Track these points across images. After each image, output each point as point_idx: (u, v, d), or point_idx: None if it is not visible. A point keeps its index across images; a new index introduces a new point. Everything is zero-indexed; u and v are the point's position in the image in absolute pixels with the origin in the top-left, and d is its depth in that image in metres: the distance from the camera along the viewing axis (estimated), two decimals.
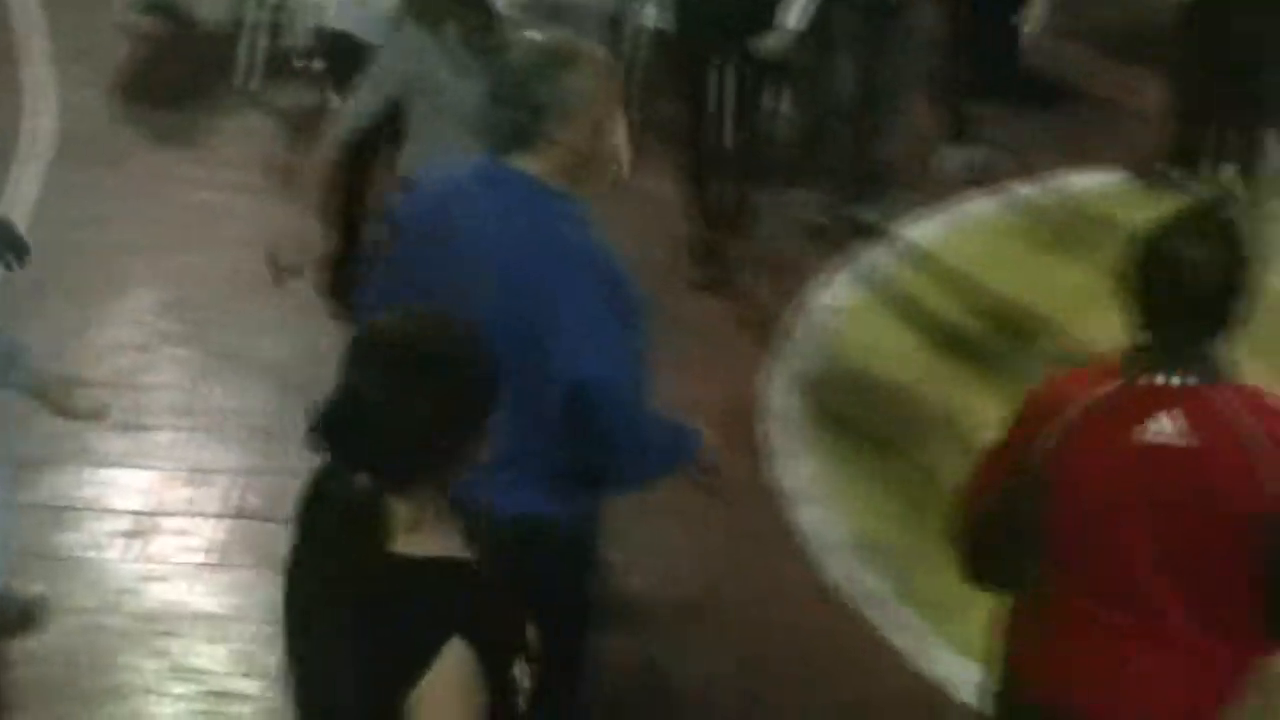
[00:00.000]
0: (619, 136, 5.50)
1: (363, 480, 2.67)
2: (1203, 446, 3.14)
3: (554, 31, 3.64)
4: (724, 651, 5.04)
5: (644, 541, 5.10)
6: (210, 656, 4.93)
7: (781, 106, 7.55)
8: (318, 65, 6.64)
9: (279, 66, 8.15)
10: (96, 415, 4.70)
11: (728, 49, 6.54)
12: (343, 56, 5.92)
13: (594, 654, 3.81)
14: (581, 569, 3.76)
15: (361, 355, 2.73)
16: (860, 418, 6.15)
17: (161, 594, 5.14)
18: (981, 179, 7.66)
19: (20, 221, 5.32)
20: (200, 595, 5.16)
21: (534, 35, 3.58)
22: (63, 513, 5.43)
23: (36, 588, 5.02)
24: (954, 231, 7.37)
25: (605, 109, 3.52)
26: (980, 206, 7.55)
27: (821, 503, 5.68)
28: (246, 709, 4.76)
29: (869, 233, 7.23)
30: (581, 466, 3.50)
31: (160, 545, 5.33)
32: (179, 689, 4.81)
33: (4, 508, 4.84)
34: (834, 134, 7.11)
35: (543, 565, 3.28)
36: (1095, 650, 3.33)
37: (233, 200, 7.22)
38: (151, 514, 5.46)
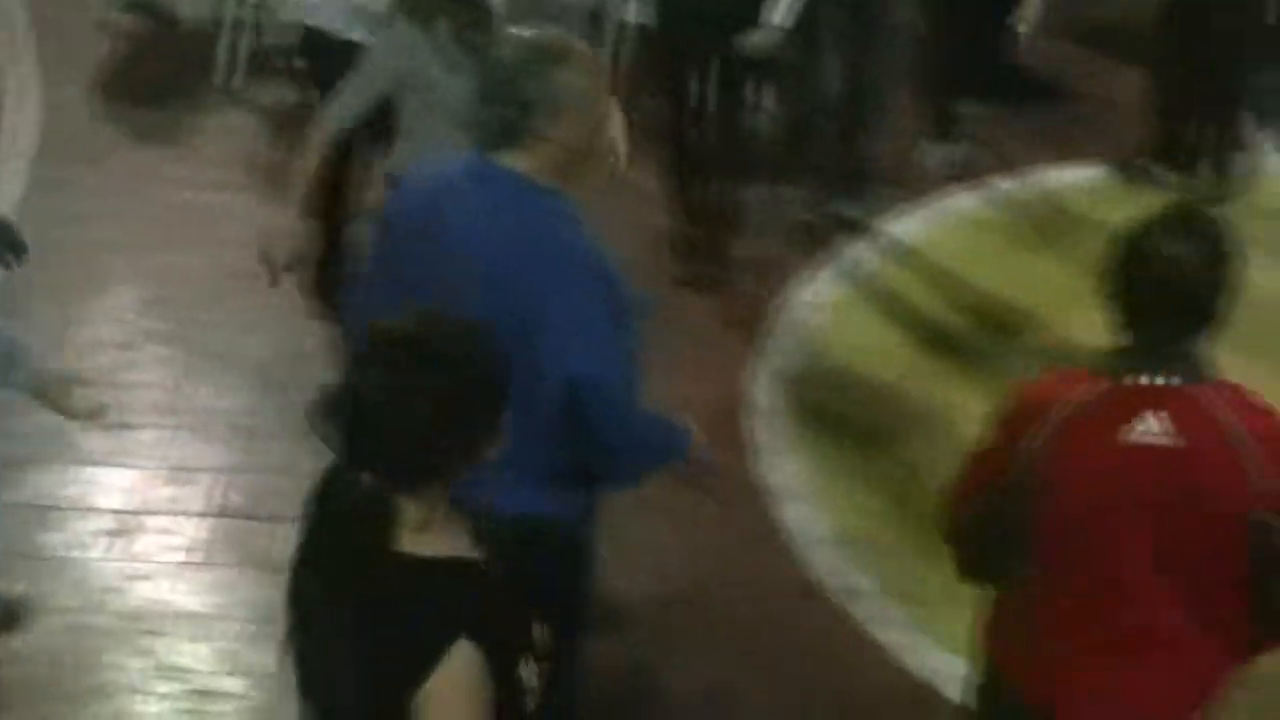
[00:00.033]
0: (614, 130, 5.52)
1: (371, 479, 2.66)
2: (1189, 446, 3.15)
3: (543, 27, 3.64)
4: (709, 647, 5.04)
5: (631, 538, 5.09)
6: (194, 655, 4.92)
7: (764, 101, 7.56)
8: (299, 63, 6.62)
9: (260, 64, 8.13)
10: (95, 415, 4.69)
11: (710, 45, 6.53)
12: (319, 52, 5.91)
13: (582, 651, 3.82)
14: (580, 568, 3.77)
15: (371, 355, 2.72)
16: (844, 414, 6.16)
17: (145, 593, 5.14)
18: (963, 175, 7.66)
19: None
20: (184, 594, 5.15)
21: (523, 32, 3.57)
22: (46, 512, 5.42)
23: (20, 587, 5.02)
24: (936, 227, 7.37)
25: (596, 105, 3.52)
26: (962, 202, 7.55)
27: (806, 499, 5.68)
28: (230, 707, 4.76)
29: (852, 229, 7.23)
30: (577, 465, 3.50)
31: (143, 544, 5.33)
32: (163, 688, 4.81)
33: None
34: (820, 131, 7.11)
35: (543, 565, 3.27)
36: (1080, 651, 3.33)
37: (215, 198, 7.20)
38: (135, 513, 5.45)
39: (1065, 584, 3.31)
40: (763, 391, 6.23)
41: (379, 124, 5.24)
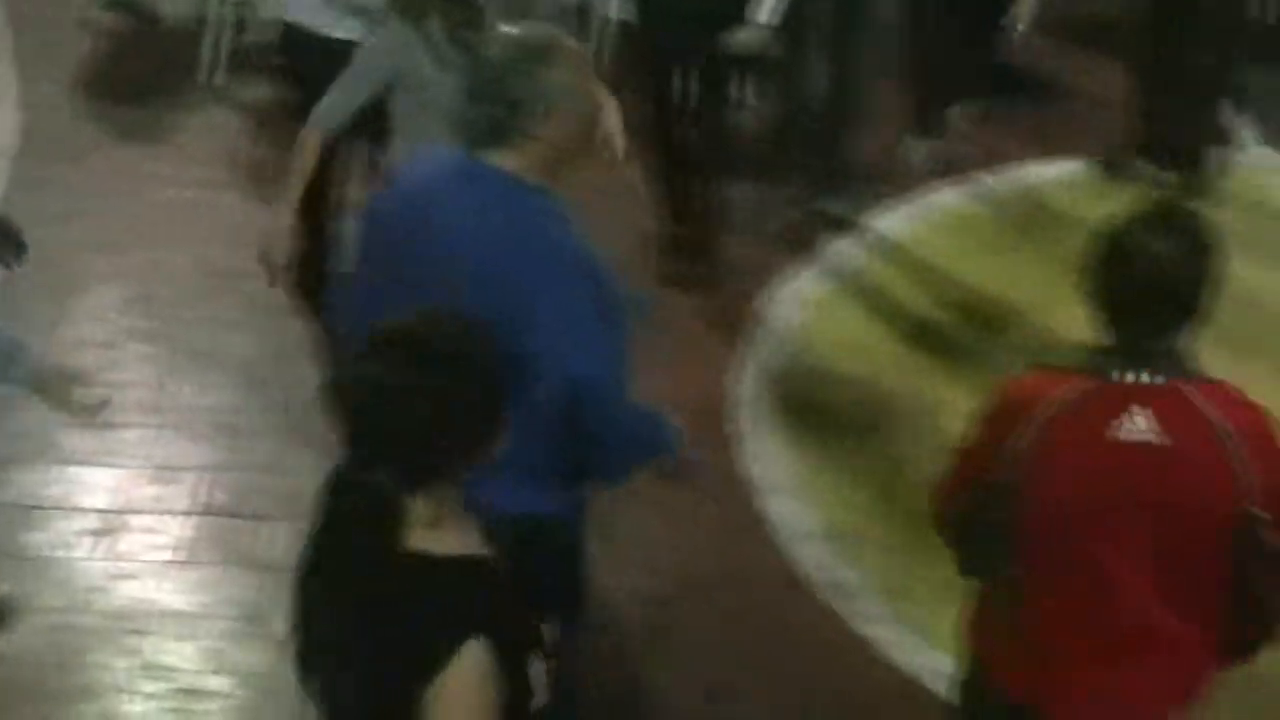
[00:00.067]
0: (612, 124, 5.50)
1: (382, 477, 2.66)
2: (1176, 444, 3.15)
3: (531, 25, 3.63)
4: (696, 641, 5.05)
5: (618, 533, 5.09)
6: (179, 654, 4.91)
7: (748, 99, 7.56)
8: (278, 59, 6.60)
9: (242, 61, 8.12)
10: (94, 411, 4.68)
11: (692, 42, 6.53)
12: (298, 49, 5.90)
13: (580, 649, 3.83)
14: (578, 566, 3.77)
15: (382, 352, 2.72)
16: (829, 409, 6.16)
17: (130, 592, 5.13)
18: (947, 171, 7.67)
19: None
20: (169, 593, 5.14)
21: (512, 30, 3.57)
22: (30, 512, 5.41)
23: (4, 587, 5.01)
24: (921, 224, 7.38)
25: (585, 103, 3.52)
26: (947, 198, 7.56)
27: (792, 494, 5.69)
28: (216, 706, 4.75)
29: (837, 225, 7.24)
30: (569, 463, 3.50)
31: (128, 543, 5.32)
32: (149, 687, 4.80)
33: None
34: (804, 128, 7.11)
35: (542, 564, 3.26)
36: (1067, 650, 3.34)
37: (198, 196, 7.19)
38: (119, 512, 5.44)
39: (1052, 583, 3.31)
40: (748, 387, 6.23)
41: (362, 122, 5.23)
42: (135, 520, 5.41)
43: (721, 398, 6.13)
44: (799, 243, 7.08)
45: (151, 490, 5.55)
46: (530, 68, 3.42)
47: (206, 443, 5.78)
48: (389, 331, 2.75)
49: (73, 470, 5.60)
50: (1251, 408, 3.22)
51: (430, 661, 2.61)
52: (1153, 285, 3.15)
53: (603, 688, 4.64)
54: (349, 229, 5.82)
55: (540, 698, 2.74)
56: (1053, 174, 7.73)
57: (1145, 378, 3.17)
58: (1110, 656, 3.31)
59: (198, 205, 7.12)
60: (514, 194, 3.42)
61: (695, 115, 6.70)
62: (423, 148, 4.61)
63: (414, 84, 5.00)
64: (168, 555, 5.28)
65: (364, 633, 2.69)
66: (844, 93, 7.00)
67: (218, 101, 8.01)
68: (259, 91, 7.85)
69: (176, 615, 5.06)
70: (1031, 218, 7.38)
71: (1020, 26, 7.56)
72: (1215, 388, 3.21)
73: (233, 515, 5.43)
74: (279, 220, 5.09)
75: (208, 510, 5.46)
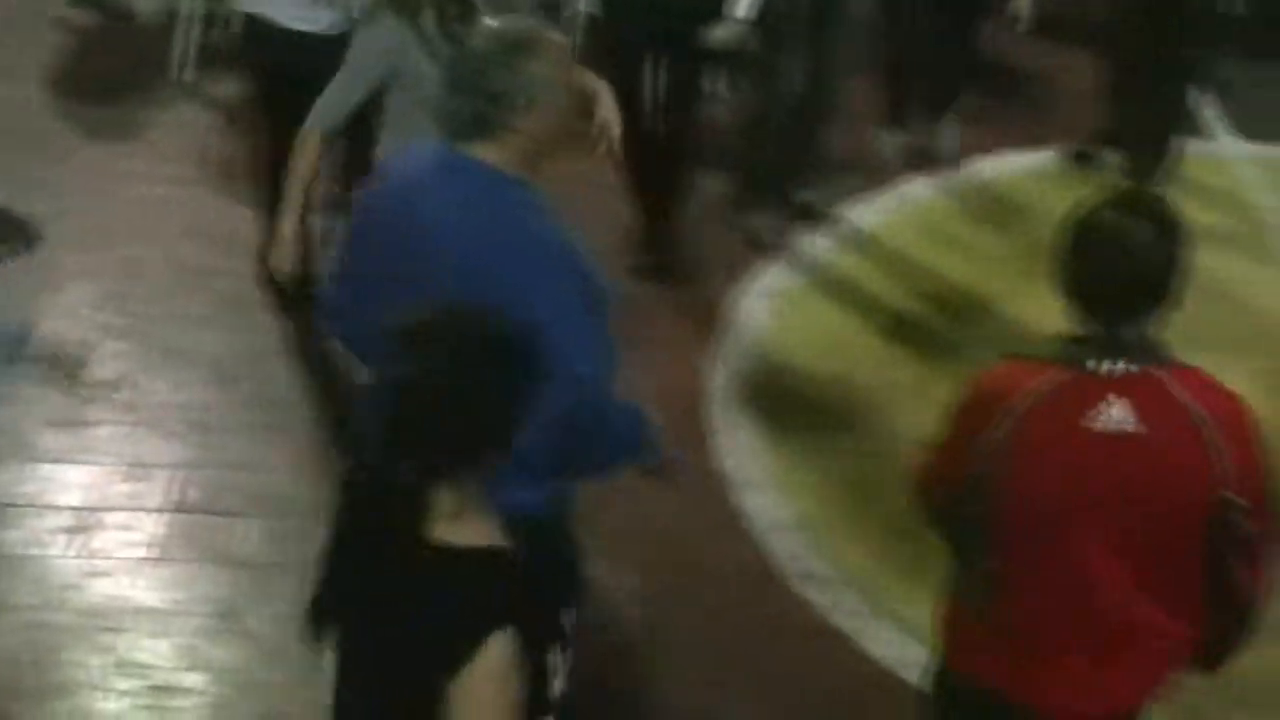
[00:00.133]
0: (607, 113, 5.48)
1: (408, 469, 2.67)
2: (1153, 432, 3.16)
3: (512, 18, 3.63)
4: (670, 636, 5.05)
5: (595, 528, 5.10)
6: (154, 651, 4.90)
7: (718, 90, 7.56)
8: (243, 53, 6.58)
9: (213, 57, 8.10)
10: (108, 389, 4.64)
11: (658, 35, 6.52)
12: (260, 42, 5.89)
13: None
14: (572, 562, 3.77)
15: (416, 345, 2.73)
16: (803, 403, 6.17)
17: (104, 589, 5.12)
18: (919, 162, 7.69)
19: None
20: (143, 590, 5.13)
21: (492, 23, 3.56)
22: (3, 510, 5.39)
23: None
24: (894, 215, 7.40)
25: (565, 96, 3.52)
26: (919, 190, 7.58)
27: (765, 487, 5.70)
28: (190, 703, 4.74)
29: (810, 217, 7.25)
30: (559, 459, 3.49)
31: (102, 540, 5.30)
32: (123, 684, 4.79)
33: None
34: (779, 122, 7.12)
35: (540, 562, 3.26)
36: (1047, 640, 3.33)
37: (170, 193, 7.18)
38: (93, 509, 5.43)
39: (1031, 574, 3.30)
40: (721, 380, 6.24)
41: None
42: (109, 518, 5.40)
43: (695, 390, 6.14)
44: (773, 235, 7.10)
45: (125, 487, 5.53)
46: (511, 60, 3.42)
47: (179, 440, 5.77)
48: (417, 326, 2.75)
49: (46, 468, 5.59)
50: (1226, 393, 3.23)
51: (457, 654, 2.63)
52: (1123, 271, 3.16)
53: (587, 685, 4.64)
54: (323, 223, 5.83)
55: (558, 687, 2.75)
56: (1023, 165, 7.76)
57: (1120, 366, 3.18)
58: (1089, 647, 3.32)
59: (169, 202, 7.10)
60: (497, 188, 3.42)
61: (665, 109, 6.70)
62: (411, 142, 4.61)
63: (409, 81, 4.96)
64: (141, 552, 5.27)
65: (390, 624, 2.71)
66: (820, 88, 7.01)
67: (188, 98, 8.00)
68: (229, 87, 7.83)
69: (150, 612, 5.05)
70: (1003, 209, 7.40)
71: (1020, 29, 7.55)
72: (1189, 374, 3.21)
73: (206, 512, 5.42)
74: (284, 226, 5.06)
75: (181, 507, 5.45)
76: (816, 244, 7.13)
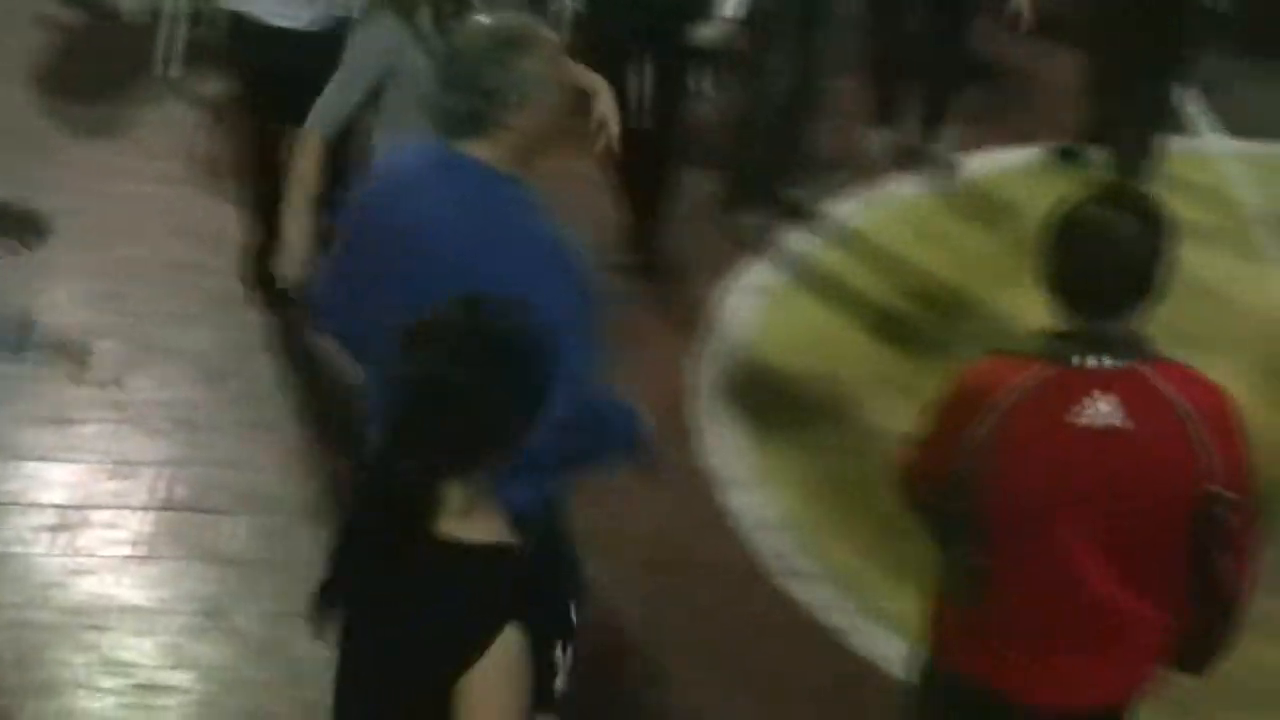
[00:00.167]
0: (606, 108, 5.47)
1: (419, 465, 2.66)
2: (1139, 427, 3.16)
3: (505, 15, 3.62)
4: (656, 634, 5.05)
5: (581, 525, 5.10)
6: (139, 649, 4.90)
7: (704, 87, 7.56)
8: (227, 50, 6.57)
9: (198, 54, 8.08)
10: (111, 382, 4.63)
11: (642, 32, 6.50)
12: (246, 39, 5.88)
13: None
14: (573, 559, 3.77)
15: (433, 342, 2.72)
16: (788, 399, 6.17)
17: (89, 587, 5.11)
18: (905, 160, 7.69)
19: None
20: (128, 588, 5.12)
21: (485, 19, 3.56)
22: None
23: None
24: (880, 212, 7.40)
25: (558, 92, 3.51)
26: (905, 187, 7.58)
27: (751, 485, 5.70)
28: (175, 701, 4.74)
29: (796, 214, 7.25)
30: (555, 458, 3.48)
31: (87, 538, 5.30)
32: (108, 682, 4.78)
33: None
34: (766, 119, 7.11)
35: (544, 559, 3.25)
36: (1034, 636, 3.35)
37: (156, 191, 7.16)
38: (78, 507, 5.42)
39: (1017, 570, 3.31)
40: (708, 378, 6.24)
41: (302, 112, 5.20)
42: (94, 515, 5.39)
43: (681, 388, 6.14)
44: (758, 232, 7.09)
45: (110, 485, 5.52)
46: (504, 57, 3.42)
47: (165, 437, 5.76)
48: (432, 322, 2.75)
49: (31, 465, 5.58)
50: (1210, 387, 3.24)
51: (466, 650, 2.63)
52: (1107, 265, 3.16)
53: (574, 683, 4.64)
54: (320, 220, 5.82)
55: (562, 681, 2.75)
56: (1009, 162, 7.76)
57: (1105, 362, 3.18)
58: (1076, 642, 3.32)
59: (155, 200, 7.09)
60: (490, 185, 3.42)
61: (651, 106, 6.69)
62: (406, 140, 4.60)
63: (407, 80, 4.94)
64: (127, 550, 5.26)
65: (399, 620, 2.71)
66: (807, 86, 7.01)
67: (174, 95, 7.97)
68: (215, 84, 7.81)
69: (135, 610, 5.04)
70: (989, 206, 7.40)
71: (1023, 25, 7.55)
72: (1174, 368, 3.22)
73: (192, 510, 5.41)
74: (289, 230, 5.01)
75: (167, 505, 5.45)
76: (803, 242, 7.13)
